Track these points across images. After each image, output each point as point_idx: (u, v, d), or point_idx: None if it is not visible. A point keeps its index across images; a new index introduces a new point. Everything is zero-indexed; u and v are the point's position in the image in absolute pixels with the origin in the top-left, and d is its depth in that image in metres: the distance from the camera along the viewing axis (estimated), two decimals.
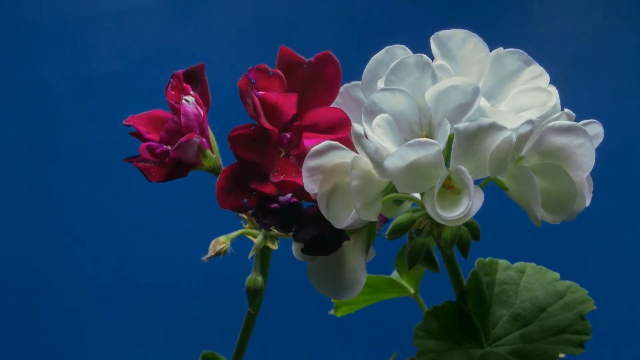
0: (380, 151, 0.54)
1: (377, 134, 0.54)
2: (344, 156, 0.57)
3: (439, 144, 0.53)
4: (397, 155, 0.53)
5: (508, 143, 0.53)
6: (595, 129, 0.58)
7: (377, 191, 0.57)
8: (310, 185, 0.57)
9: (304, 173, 0.57)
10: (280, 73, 0.62)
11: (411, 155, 0.53)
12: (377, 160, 0.54)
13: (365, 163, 0.56)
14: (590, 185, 0.57)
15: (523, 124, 0.53)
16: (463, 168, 0.53)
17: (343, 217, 0.57)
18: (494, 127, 0.53)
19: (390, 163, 0.53)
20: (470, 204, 0.52)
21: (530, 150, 0.56)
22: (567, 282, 0.65)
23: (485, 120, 0.52)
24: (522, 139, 0.54)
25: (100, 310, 1.53)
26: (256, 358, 0.78)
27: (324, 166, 0.57)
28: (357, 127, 0.55)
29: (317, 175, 0.57)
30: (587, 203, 0.57)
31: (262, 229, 0.66)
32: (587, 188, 0.57)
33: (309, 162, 0.57)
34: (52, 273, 1.53)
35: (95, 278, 1.53)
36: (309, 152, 0.57)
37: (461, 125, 0.53)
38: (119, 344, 1.52)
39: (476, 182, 0.54)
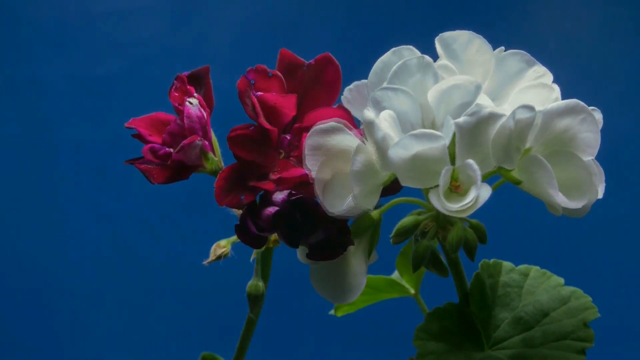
0: (387, 140, 0.53)
1: (384, 127, 0.54)
2: (349, 141, 0.56)
3: (445, 138, 0.52)
4: (401, 144, 0.52)
5: (507, 127, 0.52)
6: (595, 116, 0.58)
7: (377, 182, 0.56)
8: (310, 162, 0.57)
9: (305, 150, 0.56)
10: (280, 74, 0.62)
11: (415, 145, 0.52)
12: (383, 148, 0.53)
13: (370, 152, 0.55)
14: (601, 174, 0.56)
15: (520, 107, 0.52)
16: (470, 160, 0.52)
17: (338, 205, 0.57)
18: (494, 116, 0.52)
19: (394, 153, 0.52)
20: (478, 193, 0.51)
21: (535, 140, 0.55)
22: (571, 288, 0.65)
23: (484, 111, 0.52)
24: (523, 124, 0.53)
25: (101, 311, 1.53)
26: (256, 357, 0.78)
27: (326, 147, 0.56)
28: (368, 112, 0.54)
29: (318, 155, 0.56)
30: (600, 194, 0.56)
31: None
32: (597, 175, 0.56)
33: (312, 139, 0.56)
34: (51, 273, 1.53)
35: (95, 279, 1.53)
36: (313, 128, 0.56)
37: (461, 119, 0.52)
38: (119, 345, 1.52)
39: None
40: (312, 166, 0.57)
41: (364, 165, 0.55)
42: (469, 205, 0.52)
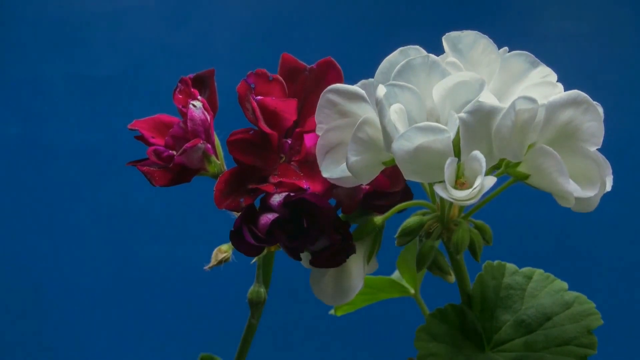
0: (392, 128, 0.53)
1: (392, 118, 0.53)
2: (364, 110, 0.56)
3: (449, 131, 0.52)
4: (405, 136, 0.52)
5: (509, 118, 0.52)
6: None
7: (378, 159, 0.56)
8: (320, 116, 0.56)
9: (320, 101, 0.56)
10: (280, 78, 0.61)
11: (419, 138, 0.52)
12: (387, 133, 0.53)
13: (379, 129, 0.54)
14: (607, 166, 0.56)
15: (519, 98, 0.52)
16: (476, 151, 0.52)
17: (332, 169, 0.56)
18: (495, 110, 0.52)
19: (398, 145, 0.52)
20: (482, 180, 0.51)
21: (540, 135, 0.55)
22: (574, 293, 0.64)
23: (485, 104, 0.52)
24: (525, 116, 0.53)
25: (101, 311, 1.53)
26: (256, 357, 0.78)
27: (343, 108, 0.56)
28: (381, 89, 0.53)
29: (332, 111, 0.56)
30: (608, 187, 0.56)
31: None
32: (604, 167, 0.55)
33: (331, 95, 0.56)
34: (50, 274, 1.53)
35: (94, 279, 1.53)
36: (336, 86, 0.56)
37: (462, 114, 0.52)
38: (119, 348, 1.52)
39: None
40: (320, 118, 0.57)
41: (369, 136, 0.54)
42: (475, 191, 0.51)
